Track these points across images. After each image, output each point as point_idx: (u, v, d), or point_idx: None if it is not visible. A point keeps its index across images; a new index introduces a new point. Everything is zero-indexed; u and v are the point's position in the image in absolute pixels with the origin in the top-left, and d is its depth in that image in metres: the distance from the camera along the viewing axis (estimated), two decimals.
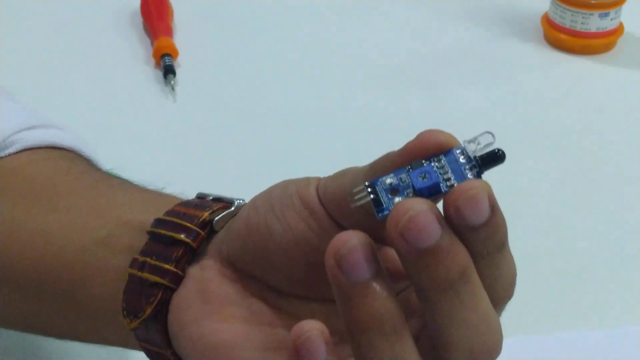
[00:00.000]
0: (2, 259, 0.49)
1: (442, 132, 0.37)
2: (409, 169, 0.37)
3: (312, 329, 0.36)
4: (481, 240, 0.36)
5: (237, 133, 0.80)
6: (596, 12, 0.87)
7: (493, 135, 0.37)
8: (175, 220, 0.45)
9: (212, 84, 0.85)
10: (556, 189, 0.76)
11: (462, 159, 0.37)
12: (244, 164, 0.77)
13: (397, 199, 0.36)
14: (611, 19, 0.87)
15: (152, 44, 0.88)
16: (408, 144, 0.37)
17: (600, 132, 0.82)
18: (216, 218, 0.44)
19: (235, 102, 0.84)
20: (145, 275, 0.44)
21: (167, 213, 0.45)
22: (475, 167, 0.36)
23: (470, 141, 0.37)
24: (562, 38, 0.89)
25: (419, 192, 0.36)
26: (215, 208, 0.45)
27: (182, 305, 0.43)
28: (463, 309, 0.36)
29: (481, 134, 0.37)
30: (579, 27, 0.88)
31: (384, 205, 0.36)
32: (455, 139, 0.37)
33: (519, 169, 0.77)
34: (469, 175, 0.36)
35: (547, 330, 0.63)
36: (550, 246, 0.70)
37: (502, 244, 0.37)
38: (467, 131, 0.38)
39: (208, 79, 0.86)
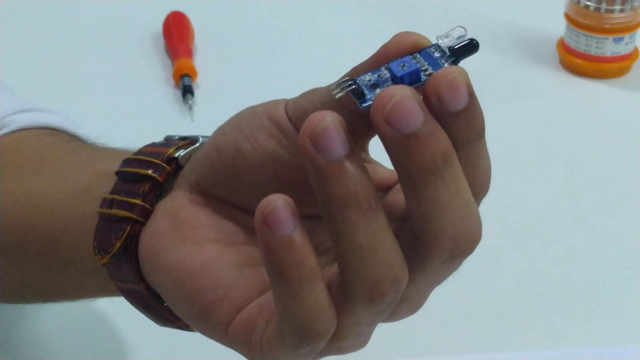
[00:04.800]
0: None
1: (415, 33, 0.38)
2: (386, 65, 0.38)
3: (278, 199, 0.37)
4: (462, 126, 0.37)
5: None
6: (610, 37, 0.87)
7: (465, 29, 0.38)
8: (142, 157, 0.46)
9: (229, 104, 0.85)
10: (569, 211, 0.76)
11: (436, 54, 0.38)
12: None
13: (378, 91, 0.37)
14: (625, 44, 0.88)
15: (172, 64, 0.90)
16: (383, 45, 0.39)
17: (614, 156, 0.82)
18: (182, 153, 0.46)
19: None
20: (114, 211, 0.45)
21: (135, 153, 0.47)
22: (451, 57, 0.37)
23: (443, 36, 0.38)
24: (577, 62, 0.89)
25: (400, 80, 0.37)
26: (180, 144, 0.46)
27: (154, 236, 0.44)
28: (447, 193, 0.36)
29: (453, 28, 0.38)
30: (593, 51, 0.88)
31: (367, 96, 0.37)
32: (428, 40, 0.38)
33: (533, 191, 0.78)
34: (445, 65, 0.37)
35: (551, 346, 0.64)
36: (559, 265, 0.71)
37: (481, 132, 0.37)
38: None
39: (225, 99, 0.87)
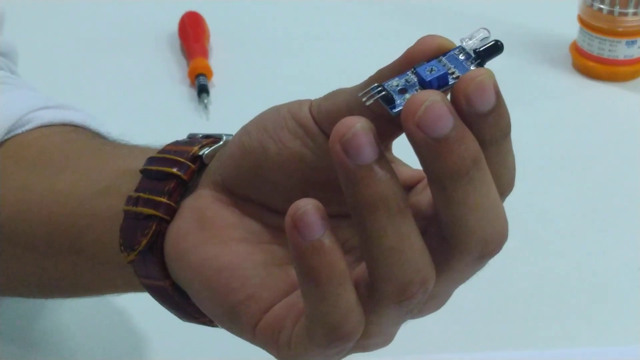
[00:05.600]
0: (15, 222, 0.51)
1: (440, 36, 0.39)
2: (413, 70, 0.38)
3: (308, 203, 0.37)
4: (490, 127, 0.37)
5: None
6: (623, 40, 0.88)
7: (488, 31, 0.38)
8: (167, 156, 0.46)
9: (244, 104, 0.87)
10: (581, 212, 0.77)
11: (461, 56, 0.38)
12: None
13: (407, 96, 0.37)
14: (638, 47, 0.88)
15: (188, 64, 0.90)
16: (408, 49, 0.39)
17: (627, 158, 0.82)
18: (206, 152, 0.46)
19: None
20: (139, 209, 0.45)
21: (159, 151, 0.47)
22: (477, 60, 0.38)
23: (467, 38, 0.38)
24: (589, 65, 0.90)
25: (428, 85, 0.38)
26: (204, 143, 0.47)
27: (180, 234, 0.44)
28: (476, 195, 0.37)
29: (476, 31, 0.38)
30: (606, 54, 0.89)
31: (397, 102, 0.38)
32: (452, 43, 0.39)
33: (545, 192, 0.78)
34: (471, 67, 0.38)
35: (556, 345, 0.64)
36: (571, 266, 0.71)
37: (507, 131, 0.38)
38: None
39: (240, 99, 0.88)
